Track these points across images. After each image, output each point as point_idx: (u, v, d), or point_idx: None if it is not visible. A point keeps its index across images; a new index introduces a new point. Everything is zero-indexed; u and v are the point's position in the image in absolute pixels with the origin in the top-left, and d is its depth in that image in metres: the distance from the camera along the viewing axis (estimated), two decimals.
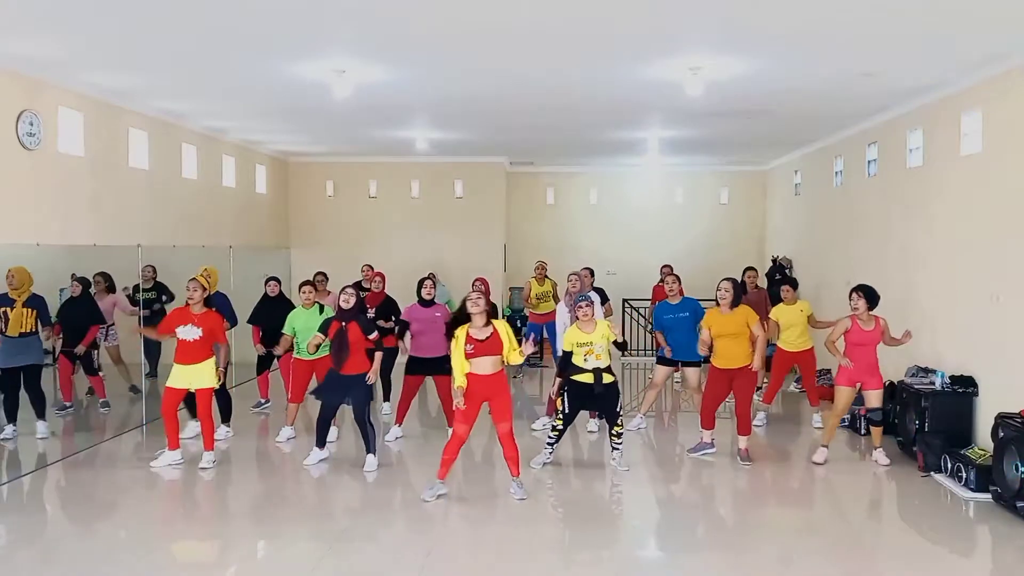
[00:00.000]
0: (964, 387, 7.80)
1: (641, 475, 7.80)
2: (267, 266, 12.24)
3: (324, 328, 7.69)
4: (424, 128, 11.84)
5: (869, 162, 10.63)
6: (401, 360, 9.33)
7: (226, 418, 8.91)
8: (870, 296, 7.75)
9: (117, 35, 6.85)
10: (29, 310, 8.45)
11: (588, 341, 7.42)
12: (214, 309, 7.81)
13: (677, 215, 16.46)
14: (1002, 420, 6.65)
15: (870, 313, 7.75)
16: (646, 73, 7.87)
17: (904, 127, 9.45)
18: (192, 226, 11.33)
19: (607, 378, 7.44)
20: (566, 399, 7.57)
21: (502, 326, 6.73)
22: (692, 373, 8.88)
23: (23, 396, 8.53)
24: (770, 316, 9.76)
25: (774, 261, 14.37)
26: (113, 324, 9.97)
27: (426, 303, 8.65)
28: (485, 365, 6.64)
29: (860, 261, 10.74)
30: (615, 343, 7.64)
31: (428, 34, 6.73)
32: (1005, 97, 7.36)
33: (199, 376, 7.67)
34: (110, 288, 9.92)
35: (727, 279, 7.91)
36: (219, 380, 7.77)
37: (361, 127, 11.55)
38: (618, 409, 7.57)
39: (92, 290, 9.66)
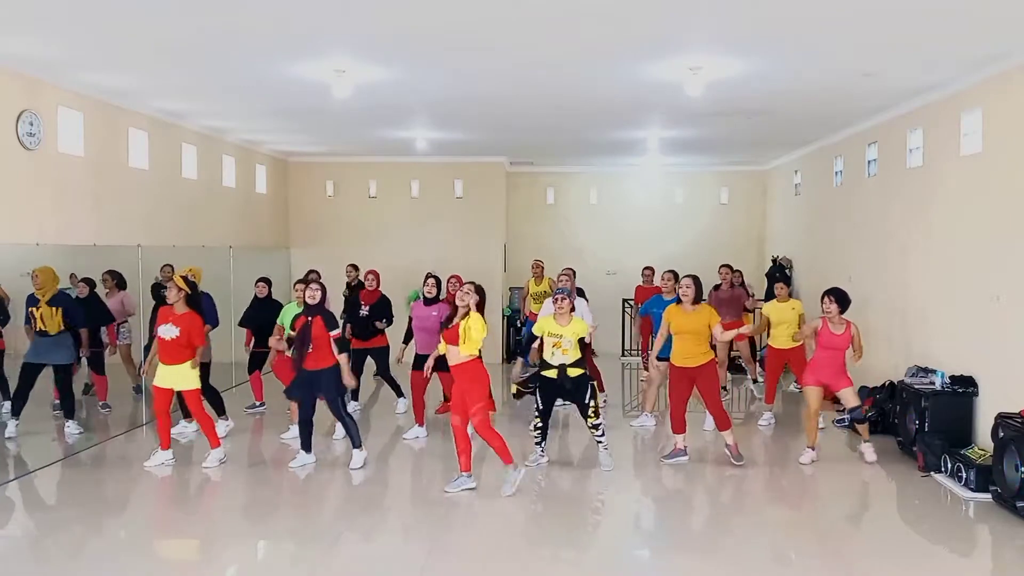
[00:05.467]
0: (964, 387, 7.79)
1: (638, 473, 7.80)
2: (267, 266, 12.24)
3: (292, 323, 7.78)
4: (424, 128, 11.84)
5: (869, 162, 10.63)
6: (398, 359, 9.42)
7: (220, 412, 8.93)
8: (841, 299, 7.78)
9: (117, 35, 6.85)
10: (55, 309, 8.51)
11: (559, 334, 7.46)
12: (196, 310, 7.77)
13: (677, 215, 16.45)
14: (1002, 420, 6.65)
15: (842, 317, 7.77)
16: (646, 73, 7.87)
17: (904, 127, 9.45)
18: (192, 226, 11.33)
19: (572, 372, 7.46)
20: (538, 395, 7.64)
21: (471, 322, 6.78)
22: (660, 368, 9.16)
23: (32, 394, 8.58)
24: (762, 312, 9.88)
25: (774, 261, 14.38)
26: (126, 321, 9.99)
27: (428, 301, 8.69)
28: (451, 353, 6.89)
29: (860, 261, 10.74)
30: (580, 340, 7.52)
31: (428, 34, 6.73)
32: (1005, 97, 7.36)
33: (182, 377, 7.65)
34: (120, 285, 9.94)
35: (688, 276, 7.84)
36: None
37: (361, 127, 11.55)
38: (587, 401, 7.51)
39: (104, 289, 9.75)
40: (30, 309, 8.51)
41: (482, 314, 6.93)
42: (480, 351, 6.97)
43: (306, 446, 7.76)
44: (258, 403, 10.23)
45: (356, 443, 7.69)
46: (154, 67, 8.07)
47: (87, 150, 8.95)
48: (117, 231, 9.50)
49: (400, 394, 10.13)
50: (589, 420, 7.59)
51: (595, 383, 7.66)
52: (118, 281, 9.91)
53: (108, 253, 9.51)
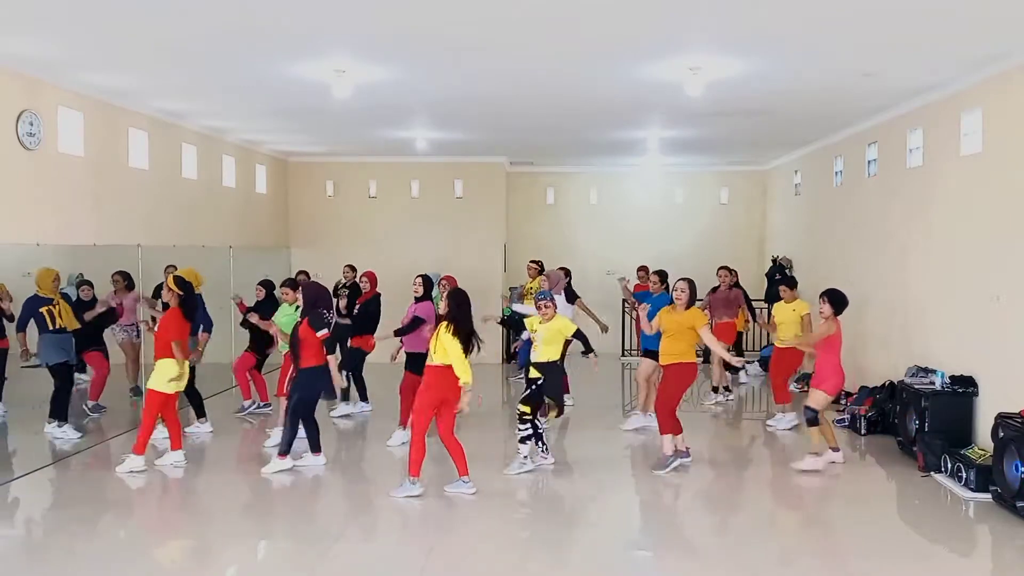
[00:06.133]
0: (964, 387, 7.79)
1: (637, 474, 7.79)
2: (267, 266, 12.25)
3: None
4: (424, 128, 11.84)
5: (869, 162, 10.63)
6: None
7: (200, 413, 8.93)
8: (832, 299, 7.75)
9: (117, 35, 6.85)
10: (68, 306, 8.63)
11: (535, 330, 7.64)
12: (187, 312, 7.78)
13: (677, 215, 16.46)
14: (1002, 420, 6.65)
15: (835, 318, 7.72)
16: (646, 73, 7.87)
17: (904, 127, 9.45)
18: (192, 226, 11.33)
19: (533, 372, 7.61)
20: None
21: (441, 333, 6.79)
22: (646, 364, 9.26)
23: (29, 396, 8.63)
24: (772, 314, 9.95)
25: (774, 261, 14.37)
26: (135, 323, 9.99)
27: (416, 300, 8.76)
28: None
29: (860, 261, 10.74)
30: (581, 342, 7.65)
31: (428, 34, 6.73)
32: (1005, 97, 7.36)
33: (154, 375, 7.64)
34: (129, 286, 9.92)
35: (682, 279, 7.87)
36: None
37: (361, 127, 11.55)
38: (520, 401, 7.58)
39: (113, 289, 9.77)
40: (42, 309, 8.46)
41: (457, 324, 6.77)
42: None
43: (314, 447, 7.73)
44: (263, 403, 10.23)
45: (284, 449, 7.58)
46: (154, 67, 8.07)
47: (87, 150, 8.95)
48: (117, 231, 9.50)
49: (364, 397, 10.18)
50: (520, 419, 7.65)
51: (541, 389, 7.61)
52: (128, 282, 9.91)
53: (108, 253, 9.51)
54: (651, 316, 8.26)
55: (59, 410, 8.61)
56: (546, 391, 7.58)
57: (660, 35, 6.74)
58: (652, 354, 9.03)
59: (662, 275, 9.51)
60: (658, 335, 8.53)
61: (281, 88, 8.69)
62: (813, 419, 7.72)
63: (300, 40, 6.96)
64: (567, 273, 10.52)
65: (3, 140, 7.69)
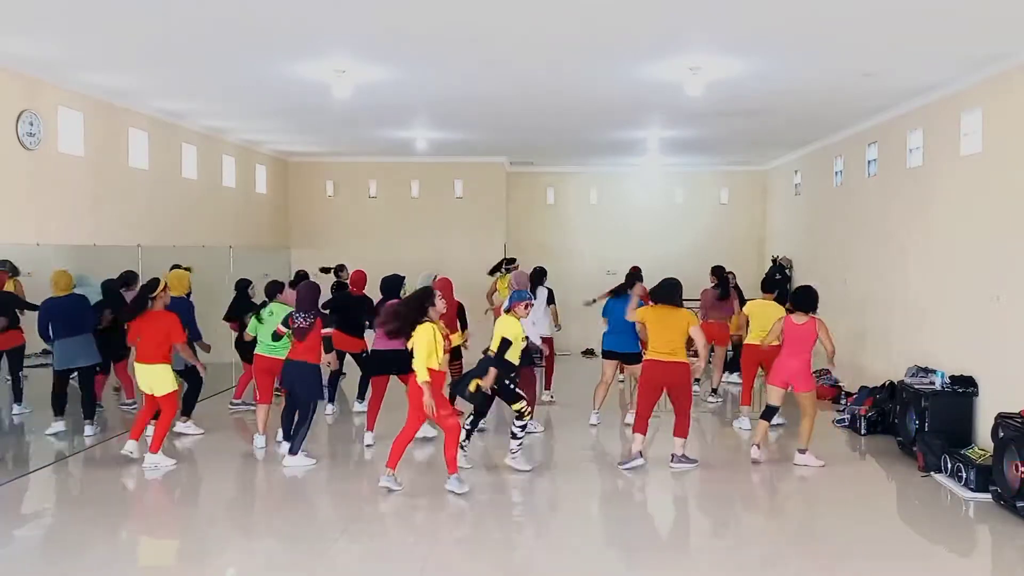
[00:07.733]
0: (964, 387, 7.79)
1: (636, 475, 7.79)
2: (267, 266, 12.24)
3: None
4: (424, 128, 11.85)
5: (869, 162, 10.63)
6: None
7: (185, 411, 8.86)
8: (795, 298, 7.76)
9: (117, 35, 6.86)
10: None
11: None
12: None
13: (677, 215, 16.46)
14: (1002, 420, 6.65)
15: (811, 315, 7.65)
16: (646, 73, 7.88)
17: (904, 127, 9.45)
18: (192, 226, 11.34)
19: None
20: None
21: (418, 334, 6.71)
22: (635, 368, 9.10)
23: (32, 396, 8.56)
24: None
25: (774, 261, 14.38)
26: None
27: None
28: None
29: (860, 261, 10.74)
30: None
31: (428, 34, 6.74)
32: (1005, 97, 7.36)
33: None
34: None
35: (665, 279, 7.80)
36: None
37: (361, 127, 11.56)
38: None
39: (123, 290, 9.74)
40: None
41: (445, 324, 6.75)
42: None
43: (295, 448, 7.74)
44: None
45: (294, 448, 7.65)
46: (154, 67, 8.08)
47: (87, 150, 8.95)
48: (117, 231, 9.50)
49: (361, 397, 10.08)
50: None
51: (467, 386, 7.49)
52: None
53: (108, 253, 9.50)
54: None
55: (88, 411, 8.45)
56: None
57: (660, 35, 6.74)
58: (608, 355, 9.33)
59: (629, 279, 9.49)
60: (622, 338, 8.73)
61: (281, 88, 8.69)
62: (765, 413, 7.94)
63: (300, 40, 6.96)
64: (536, 274, 10.24)
65: (3, 140, 7.69)
